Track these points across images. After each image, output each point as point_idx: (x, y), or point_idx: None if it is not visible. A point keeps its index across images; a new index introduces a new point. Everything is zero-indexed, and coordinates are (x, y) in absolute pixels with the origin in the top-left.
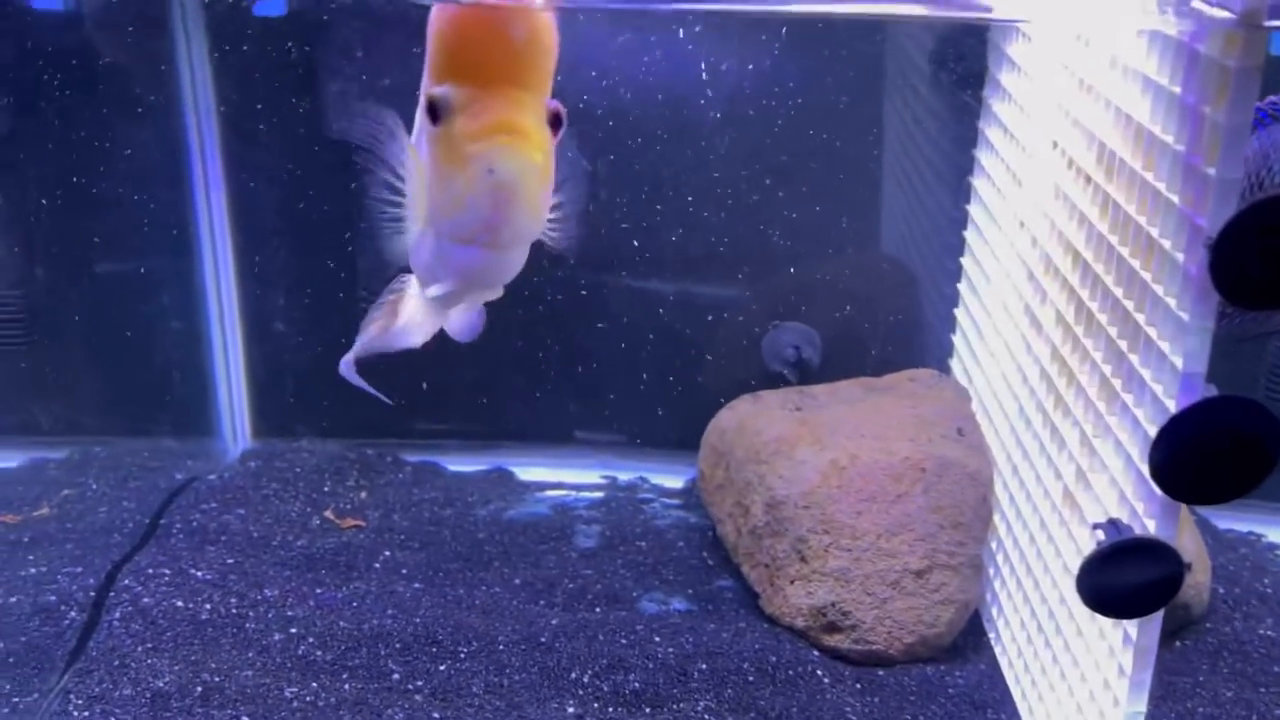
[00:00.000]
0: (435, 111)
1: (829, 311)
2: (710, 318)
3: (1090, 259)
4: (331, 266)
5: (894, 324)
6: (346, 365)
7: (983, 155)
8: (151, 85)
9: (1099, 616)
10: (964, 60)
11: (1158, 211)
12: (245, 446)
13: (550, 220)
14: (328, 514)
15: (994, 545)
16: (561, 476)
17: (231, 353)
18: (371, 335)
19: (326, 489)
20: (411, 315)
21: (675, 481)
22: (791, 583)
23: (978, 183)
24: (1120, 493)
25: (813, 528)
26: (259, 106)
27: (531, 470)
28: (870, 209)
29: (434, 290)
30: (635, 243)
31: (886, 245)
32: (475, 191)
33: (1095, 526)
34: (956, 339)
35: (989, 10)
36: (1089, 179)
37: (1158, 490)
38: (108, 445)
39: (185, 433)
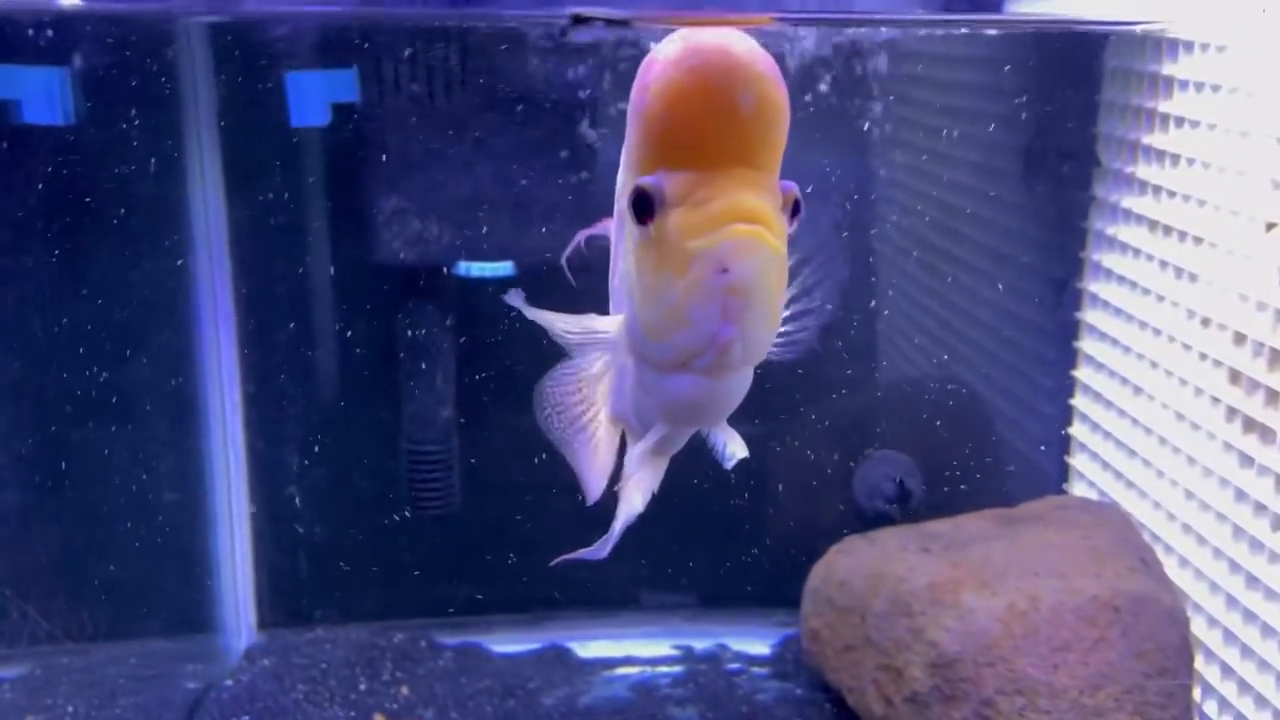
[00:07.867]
0: (646, 205)
1: (902, 441)
2: (777, 456)
3: None
4: (361, 418)
5: (973, 451)
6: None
7: (1104, 257)
8: (158, 215)
9: None
10: (1070, 159)
11: None
12: (250, 641)
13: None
14: (379, 718)
15: (1197, 693)
16: (628, 650)
17: (237, 527)
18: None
19: (363, 686)
20: (628, 476)
21: (760, 646)
22: None
23: (1097, 288)
24: None
25: (1001, 688)
26: (277, 233)
27: (591, 645)
28: (939, 330)
29: (646, 442)
30: None
31: (958, 367)
32: (700, 300)
33: None
34: (1076, 460)
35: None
36: None
37: None
38: (79, 655)
39: (178, 629)
